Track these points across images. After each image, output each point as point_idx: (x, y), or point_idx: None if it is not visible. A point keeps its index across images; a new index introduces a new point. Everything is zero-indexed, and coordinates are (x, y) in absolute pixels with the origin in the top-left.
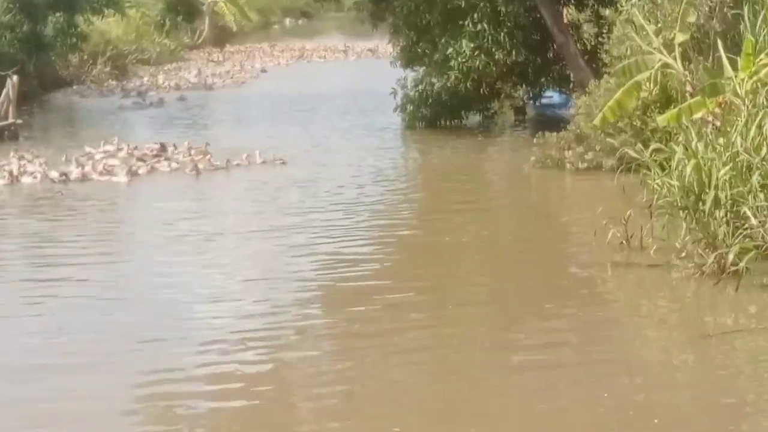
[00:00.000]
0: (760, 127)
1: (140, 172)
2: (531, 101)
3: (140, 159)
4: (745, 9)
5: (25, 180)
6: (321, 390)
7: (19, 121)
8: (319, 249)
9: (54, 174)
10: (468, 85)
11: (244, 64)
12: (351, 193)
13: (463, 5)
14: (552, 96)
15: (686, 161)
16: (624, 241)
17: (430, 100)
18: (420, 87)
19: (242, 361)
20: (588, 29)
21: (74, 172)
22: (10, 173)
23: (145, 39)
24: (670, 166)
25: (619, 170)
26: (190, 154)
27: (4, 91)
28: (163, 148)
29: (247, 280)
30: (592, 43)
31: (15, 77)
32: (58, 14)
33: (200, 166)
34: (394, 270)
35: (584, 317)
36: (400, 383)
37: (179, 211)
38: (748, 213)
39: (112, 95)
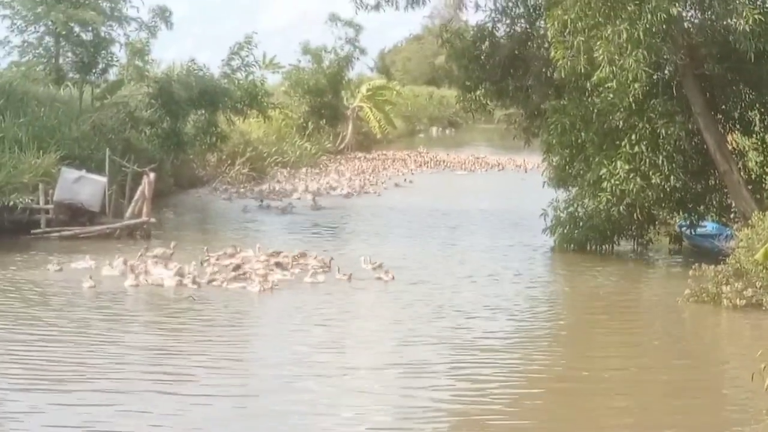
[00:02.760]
0: None
1: (271, 280)
2: (687, 230)
3: (271, 268)
4: None
5: (154, 282)
6: None
7: (153, 220)
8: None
9: (184, 278)
10: (621, 209)
11: (386, 173)
12: (495, 320)
13: (620, 125)
14: (707, 226)
15: None
16: None
17: (581, 223)
18: (571, 209)
19: None
20: (754, 157)
21: (206, 276)
22: (138, 274)
23: (285, 141)
24: None
25: None
26: (314, 267)
27: (140, 189)
28: (301, 255)
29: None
30: (758, 173)
31: (152, 175)
32: (199, 112)
33: (320, 278)
34: (531, 411)
35: None
36: None
37: (307, 333)
38: None
39: (248, 198)
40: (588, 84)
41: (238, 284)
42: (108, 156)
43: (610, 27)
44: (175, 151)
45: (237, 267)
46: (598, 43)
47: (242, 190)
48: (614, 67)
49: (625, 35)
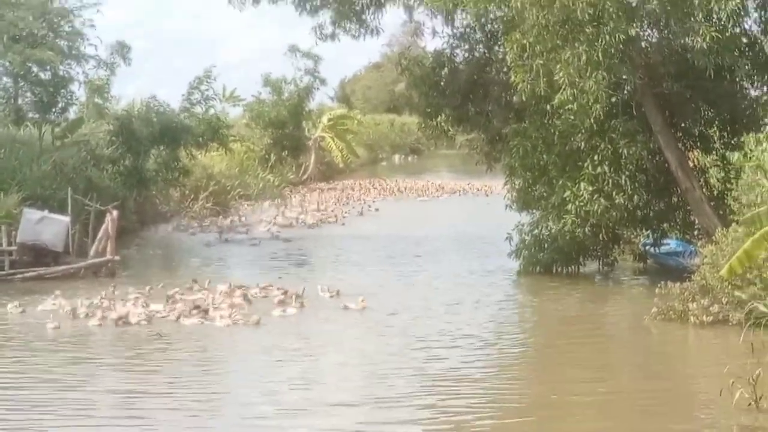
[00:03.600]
0: None
1: (237, 314)
2: (652, 248)
3: (237, 301)
4: None
5: (120, 320)
6: None
7: (117, 258)
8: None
9: (147, 314)
10: (586, 230)
11: (349, 202)
12: (466, 348)
13: (582, 147)
14: (671, 243)
15: None
16: (752, 403)
17: (546, 245)
18: (536, 231)
19: None
20: (715, 174)
21: (171, 313)
22: (103, 312)
23: (248, 174)
24: None
25: (747, 325)
26: (282, 299)
27: (104, 227)
28: (267, 287)
29: None
30: (719, 189)
31: (115, 212)
32: (161, 148)
33: (289, 311)
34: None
35: None
36: None
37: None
38: None
39: (212, 231)
40: (548, 106)
41: (203, 320)
42: (70, 195)
43: (569, 50)
44: (138, 187)
45: (201, 302)
46: (558, 66)
47: (206, 224)
48: (575, 90)
49: (584, 57)
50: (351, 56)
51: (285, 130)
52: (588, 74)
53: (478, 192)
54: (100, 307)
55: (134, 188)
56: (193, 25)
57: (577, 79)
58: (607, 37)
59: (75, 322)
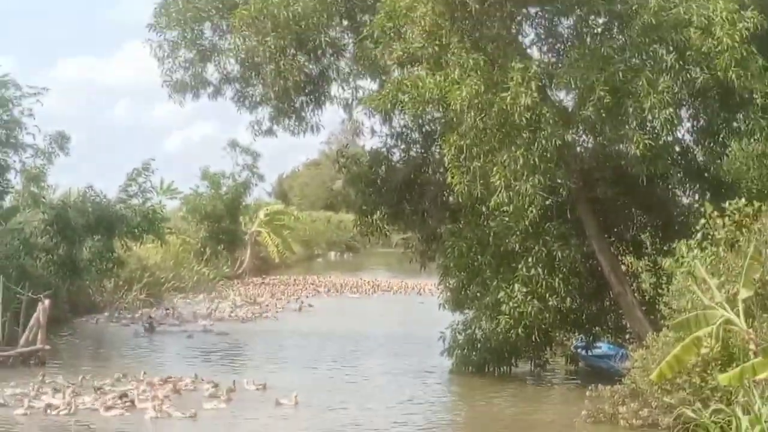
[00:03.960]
0: None
1: (165, 407)
2: (583, 351)
3: (166, 394)
4: None
5: (46, 409)
6: None
7: (47, 347)
8: None
9: (75, 405)
10: (519, 330)
11: (283, 297)
12: None
13: (517, 248)
14: (602, 347)
15: (750, 427)
16: None
17: (479, 345)
18: (469, 331)
19: None
20: (647, 279)
21: (99, 404)
22: (30, 402)
23: (183, 266)
24: (731, 428)
25: (676, 430)
26: (211, 393)
27: (35, 316)
28: (196, 380)
29: None
30: (651, 294)
31: (46, 301)
32: (96, 238)
33: (220, 405)
34: None
35: None
36: None
37: None
38: None
39: (145, 323)
40: (484, 208)
41: (131, 412)
42: (2, 283)
43: (505, 153)
44: (71, 277)
45: (130, 393)
46: (495, 168)
47: (139, 315)
48: (510, 192)
49: (521, 161)
50: (290, 153)
51: (221, 224)
52: (524, 177)
53: (412, 291)
54: (27, 396)
55: (67, 278)
56: (136, 118)
57: (513, 182)
58: (543, 141)
59: (1, 411)
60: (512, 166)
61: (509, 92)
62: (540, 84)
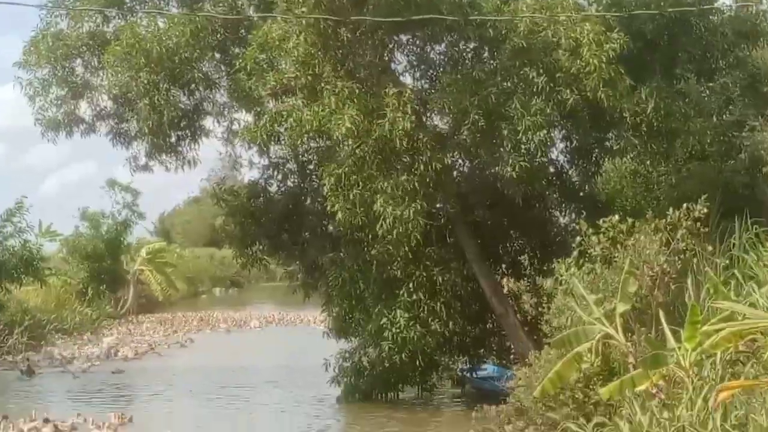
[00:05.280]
0: (705, 400)
1: None
2: (469, 373)
3: None
4: (689, 280)
5: None
6: None
7: None
8: None
9: None
10: (403, 356)
11: (168, 335)
12: None
13: (399, 274)
14: (487, 369)
15: None
16: None
17: (366, 373)
18: (354, 359)
19: None
20: (528, 299)
21: None
22: None
23: (65, 308)
24: None
25: None
26: None
27: None
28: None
29: None
30: (533, 314)
31: None
32: None
33: None
34: None
35: None
36: None
37: None
38: None
39: (27, 366)
40: (364, 235)
41: None
42: None
43: (385, 179)
44: None
45: None
46: (376, 195)
47: (21, 358)
48: (394, 219)
49: (401, 187)
50: (171, 190)
51: (103, 264)
52: (405, 203)
53: (298, 322)
54: None
55: None
56: (11, 163)
57: (394, 209)
58: (422, 166)
59: None
60: (393, 193)
61: (386, 118)
62: (415, 108)
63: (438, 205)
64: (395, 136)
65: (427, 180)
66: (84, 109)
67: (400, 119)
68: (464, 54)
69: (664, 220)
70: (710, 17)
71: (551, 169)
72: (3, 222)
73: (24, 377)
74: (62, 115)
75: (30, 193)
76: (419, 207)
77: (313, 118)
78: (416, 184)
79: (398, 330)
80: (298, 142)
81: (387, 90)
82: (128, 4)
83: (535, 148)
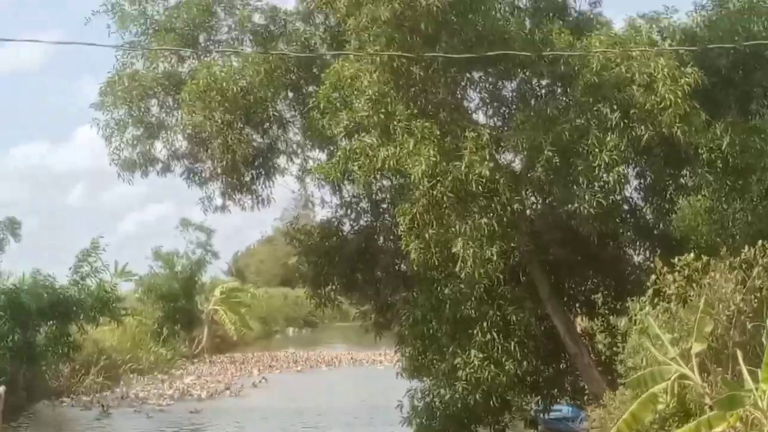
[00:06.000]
0: None
1: None
2: (542, 414)
3: None
4: (766, 319)
5: None
6: None
7: None
8: None
9: None
10: (477, 396)
11: (243, 375)
12: None
13: (472, 314)
14: (562, 409)
15: None
16: None
17: (438, 413)
18: (427, 399)
19: None
20: (602, 339)
21: None
22: None
23: (140, 348)
24: None
25: None
26: None
27: None
28: None
29: None
30: (607, 354)
31: (2, 388)
32: (50, 323)
33: None
34: None
35: None
36: None
37: None
38: None
39: (102, 406)
40: (438, 274)
41: None
42: None
43: (461, 221)
44: (27, 363)
45: None
46: (455, 236)
47: (97, 398)
48: (476, 260)
49: (485, 229)
50: (246, 230)
51: (177, 304)
52: (482, 244)
53: (371, 362)
54: None
55: (23, 364)
56: (89, 202)
57: (472, 251)
58: (499, 207)
59: None
60: (473, 234)
61: (463, 161)
62: (492, 153)
63: (513, 245)
64: (471, 180)
65: (505, 220)
66: (159, 149)
67: (477, 163)
68: (537, 90)
69: (739, 258)
70: None
71: (625, 207)
72: (79, 262)
73: (100, 416)
74: (138, 155)
75: (108, 233)
76: (500, 248)
77: (390, 157)
78: (495, 224)
79: (472, 370)
80: (371, 179)
81: (465, 133)
82: (202, 44)
83: (612, 184)
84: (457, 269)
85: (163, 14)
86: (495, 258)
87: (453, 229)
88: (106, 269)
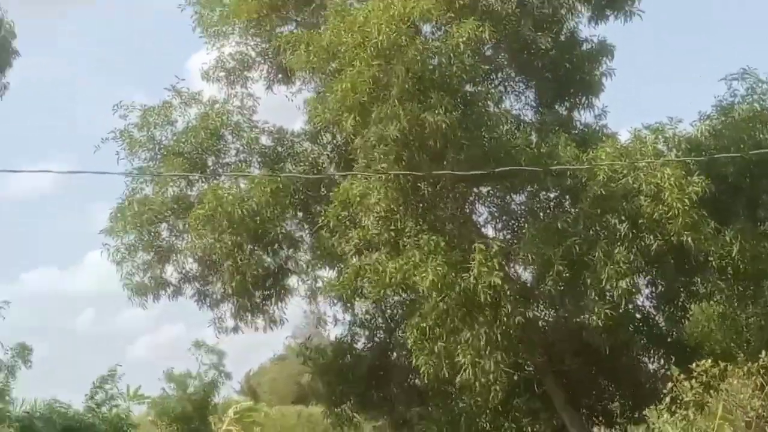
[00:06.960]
0: None
1: None
2: None
3: None
4: None
5: None
6: None
7: None
8: None
9: None
10: None
11: None
12: None
13: (487, 427)
14: None
15: None
16: None
17: None
18: None
19: None
20: None
21: None
22: None
23: None
24: None
25: None
26: None
27: None
28: None
29: None
30: None
31: None
32: None
33: None
34: None
35: None
36: None
37: None
38: None
39: None
40: (451, 388)
41: None
42: None
43: (468, 332)
44: None
45: None
46: (458, 347)
47: None
48: (477, 370)
49: (484, 339)
50: (257, 349)
51: (191, 425)
52: (488, 354)
53: None
54: None
55: None
56: (100, 327)
57: (477, 360)
58: (505, 318)
59: None
60: (476, 344)
61: (471, 272)
62: (501, 263)
63: (523, 356)
64: (480, 291)
65: (510, 332)
66: (170, 272)
67: (486, 273)
68: (545, 203)
69: (757, 364)
70: None
71: (637, 315)
72: (94, 389)
73: None
74: (149, 279)
75: (118, 356)
76: (501, 358)
77: (397, 271)
78: (498, 336)
79: None
80: (382, 294)
81: (475, 245)
82: (211, 167)
83: (620, 296)
84: (457, 379)
85: (172, 139)
86: (494, 369)
87: (458, 338)
88: (121, 396)
